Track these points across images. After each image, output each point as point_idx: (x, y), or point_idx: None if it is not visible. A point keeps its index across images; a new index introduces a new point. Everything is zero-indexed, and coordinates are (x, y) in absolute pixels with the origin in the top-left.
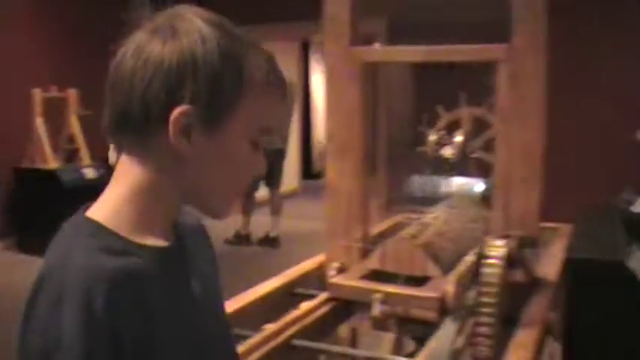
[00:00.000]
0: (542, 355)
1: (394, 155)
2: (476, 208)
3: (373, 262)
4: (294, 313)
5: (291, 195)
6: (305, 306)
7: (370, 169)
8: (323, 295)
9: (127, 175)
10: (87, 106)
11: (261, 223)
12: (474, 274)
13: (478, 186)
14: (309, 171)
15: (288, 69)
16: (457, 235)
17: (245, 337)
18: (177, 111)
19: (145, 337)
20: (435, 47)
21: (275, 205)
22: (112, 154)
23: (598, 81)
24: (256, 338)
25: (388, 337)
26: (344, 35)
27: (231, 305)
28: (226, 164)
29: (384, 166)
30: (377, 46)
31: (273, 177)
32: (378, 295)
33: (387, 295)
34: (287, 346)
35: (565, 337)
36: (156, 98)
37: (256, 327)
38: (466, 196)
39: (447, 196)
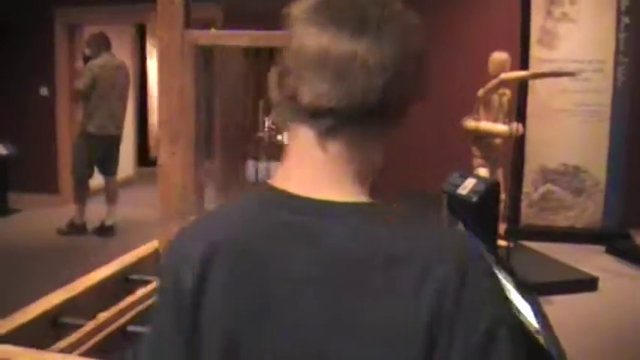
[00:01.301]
0: None
1: (231, 141)
2: None
3: None
4: (129, 300)
5: (127, 182)
6: (141, 292)
7: (206, 155)
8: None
9: (361, 155)
10: None
11: (96, 211)
12: None
13: None
14: (146, 158)
15: (122, 53)
16: None
17: (79, 327)
18: (413, 104)
19: None
20: (259, 32)
21: (110, 193)
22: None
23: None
24: (90, 326)
25: None
26: (178, 18)
27: (62, 295)
28: None
29: (221, 151)
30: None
31: (108, 164)
32: None
33: None
34: (122, 333)
35: None
36: (412, 90)
37: (90, 315)
38: None
39: None
